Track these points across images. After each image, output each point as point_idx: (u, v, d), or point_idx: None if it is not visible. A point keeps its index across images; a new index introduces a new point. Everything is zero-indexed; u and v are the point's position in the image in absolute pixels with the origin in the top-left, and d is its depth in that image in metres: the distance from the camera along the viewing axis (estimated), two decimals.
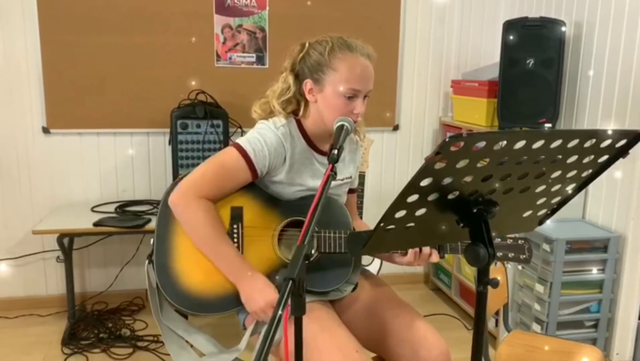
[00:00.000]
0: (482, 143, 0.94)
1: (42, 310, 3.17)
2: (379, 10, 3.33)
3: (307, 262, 1.04)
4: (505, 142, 0.96)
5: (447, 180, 1.00)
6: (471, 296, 3.15)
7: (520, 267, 2.68)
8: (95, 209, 2.99)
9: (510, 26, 2.85)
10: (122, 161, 3.21)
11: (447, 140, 0.89)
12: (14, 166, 3.08)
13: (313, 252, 1.60)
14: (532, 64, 2.80)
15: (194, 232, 1.56)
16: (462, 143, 0.90)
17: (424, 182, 0.99)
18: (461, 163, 0.97)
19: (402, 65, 3.44)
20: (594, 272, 2.62)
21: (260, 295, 1.50)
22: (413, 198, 1.02)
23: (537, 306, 2.63)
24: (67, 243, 2.91)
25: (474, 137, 0.91)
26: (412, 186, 0.99)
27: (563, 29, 2.76)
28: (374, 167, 3.45)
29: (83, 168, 3.16)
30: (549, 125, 2.76)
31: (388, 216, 1.04)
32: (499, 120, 2.90)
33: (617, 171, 2.61)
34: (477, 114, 3.12)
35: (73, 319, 2.95)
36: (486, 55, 3.52)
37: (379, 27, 3.34)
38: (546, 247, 2.57)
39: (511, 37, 2.83)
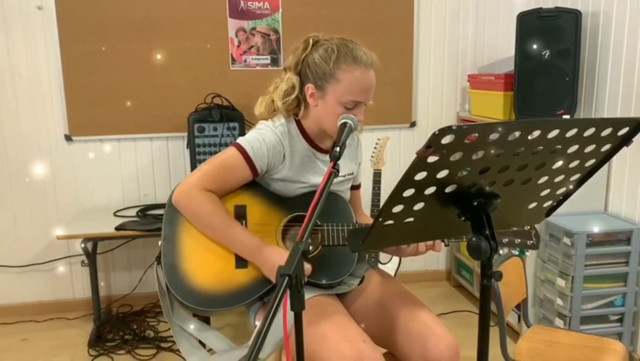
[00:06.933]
0: (474, 135, 0.93)
1: (70, 314, 3.25)
2: (392, 7, 3.31)
3: (308, 256, 1.04)
4: (498, 134, 0.95)
5: (443, 174, 1.00)
6: (493, 293, 3.10)
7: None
8: (117, 213, 3.05)
9: (524, 18, 2.81)
10: (142, 166, 3.27)
11: (436, 133, 0.88)
12: (38, 174, 3.17)
13: (311, 248, 1.61)
14: (548, 55, 2.76)
15: (201, 221, 1.58)
16: (452, 136, 0.90)
17: (419, 176, 0.98)
18: (455, 156, 0.96)
19: (418, 61, 3.42)
20: (618, 265, 2.57)
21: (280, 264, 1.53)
22: (409, 192, 1.02)
23: (559, 301, 2.59)
24: (91, 247, 2.97)
25: (464, 129, 0.90)
26: (406, 180, 0.98)
27: (579, 19, 2.71)
28: (391, 164, 3.43)
29: (105, 173, 3.23)
30: (567, 116, 2.72)
31: (385, 211, 1.04)
32: (516, 113, 2.86)
33: None
34: (494, 108, 3.08)
35: (99, 322, 3.01)
36: (503, 48, 3.47)
37: (393, 24, 3.33)
38: (567, 240, 2.53)
39: (526, 29, 2.79)
